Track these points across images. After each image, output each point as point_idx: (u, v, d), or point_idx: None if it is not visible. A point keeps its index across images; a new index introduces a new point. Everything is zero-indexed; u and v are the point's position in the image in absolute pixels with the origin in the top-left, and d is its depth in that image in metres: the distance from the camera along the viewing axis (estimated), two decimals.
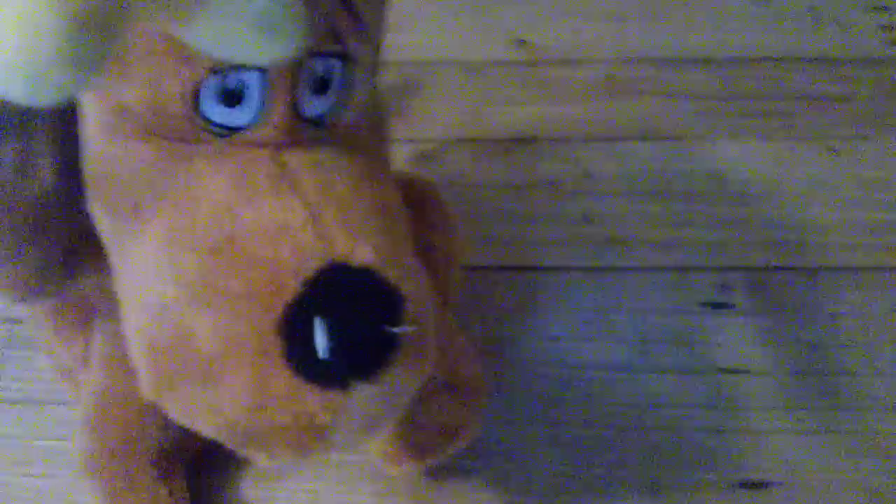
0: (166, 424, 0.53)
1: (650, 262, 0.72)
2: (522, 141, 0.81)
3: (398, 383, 0.38)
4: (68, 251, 0.46)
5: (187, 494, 0.56)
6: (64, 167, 0.43)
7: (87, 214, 0.43)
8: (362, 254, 0.37)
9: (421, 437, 0.55)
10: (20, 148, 0.42)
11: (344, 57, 0.39)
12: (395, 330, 0.36)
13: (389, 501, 0.58)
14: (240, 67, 0.36)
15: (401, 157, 0.76)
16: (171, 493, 0.55)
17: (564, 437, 0.61)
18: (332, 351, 0.35)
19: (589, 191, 0.77)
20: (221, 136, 0.38)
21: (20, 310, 0.67)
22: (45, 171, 0.43)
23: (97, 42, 0.24)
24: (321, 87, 0.39)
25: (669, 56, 0.88)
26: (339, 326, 0.35)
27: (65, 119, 0.42)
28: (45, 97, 0.24)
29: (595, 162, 0.79)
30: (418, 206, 0.55)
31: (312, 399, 0.36)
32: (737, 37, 0.90)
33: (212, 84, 0.36)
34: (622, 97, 0.85)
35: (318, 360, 0.35)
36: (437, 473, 0.59)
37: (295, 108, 0.38)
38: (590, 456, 0.60)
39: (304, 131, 0.39)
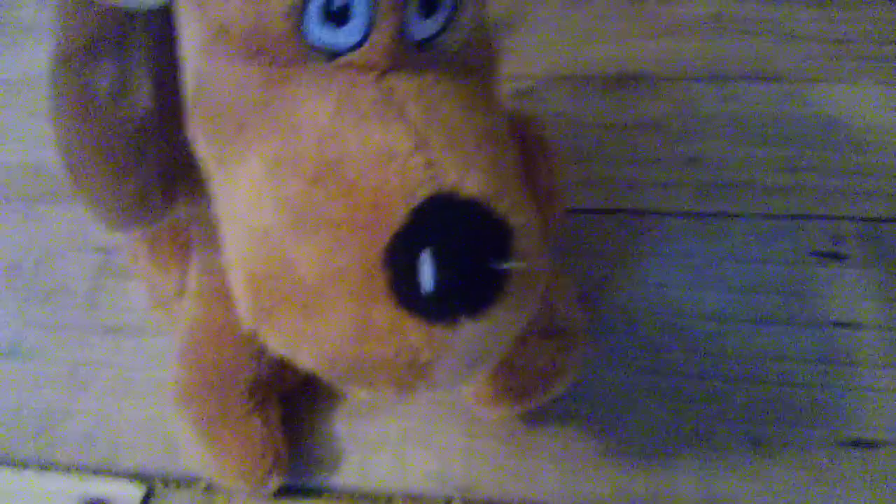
0: (261, 356, 0.53)
1: (759, 208, 0.68)
2: (626, 78, 0.78)
3: (504, 321, 0.37)
4: (167, 177, 0.45)
5: (280, 426, 0.56)
6: (161, 91, 0.42)
7: (186, 140, 0.42)
8: (472, 184, 0.35)
9: (517, 380, 0.53)
10: (116, 70, 0.41)
11: None
12: (505, 265, 0.35)
13: (481, 444, 0.57)
14: None
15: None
16: (264, 424, 0.55)
17: (667, 387, 0.59)
18: (439, 284, 0.34)
19: (695, 132, 0.74)
20: (324, 57, 0.36)
21: (115, 239, 0.68)
22: (142, 94, 0.42)
23: None
24: (430, 8, 0.37)
25: None
26: (447, 259, 0.34)
27: (161, 41, 0.41)
28: None
29: (702, 102, 0.76)
30: (521, 141, 0.53)
31: (416, 333, 0.35)
32: None
33: (317, 2, 0.35)
34: (731, 35, 0.81)
35: (423, 294, 0.34)
36: (532, 417, 0.57)
37: (402, 31, 0.36)
38: (693, 407, 0.58)
39: (411, 55, 0.37)
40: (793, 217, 0.68)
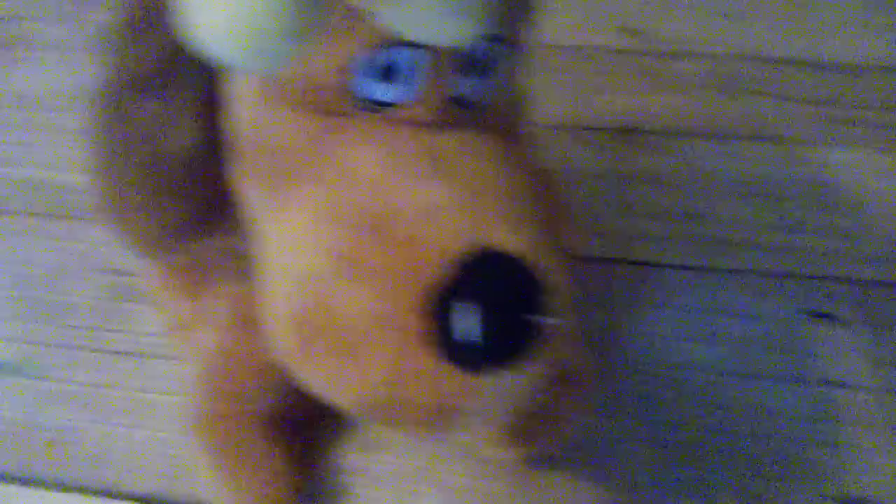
0: (278, 388, 0.54)
1: (755, 266, 0.70)
2: (628, 131, 0.80)
3: (532, 372, 0.38)
4: (203, 211, 0.46)
5: (292, 458, 0.57)
6: (204, 127, 0.43)
7: (220, 176, 0.44)
8: (511, 241, 0.37)
9: (526, 424, 0.55)
10: (161, 106, 0.43)
11: (501, 40, 0.39)
12: (540, 320, 0.36)
13: (486, 484, 0.59)
14: (398, 44, 0.36)
15: None
16: (277, 456, 0.55)
17: (664, 438, 0.61)
18: (476, 335, 0.35)
19: (695, 188, 0.76)
20: (373, 111, 0.38)
21: (129, 261, 0.68)
22: (186, 130, 0.43)
23: (311, 13, 0.24)
24: (472, 68, 0.39)
25: (783, 56, 0.86)
26: (485, 312, 0.35)
27: (207, 80, 0.42)
28: (257, 65, 0.24)
29: (702, 158, 0.78)
30: None
31: (451, 380, 0.36)
32: (854, 43, 0.87)
33: (369, 59, 0.37)
34: (732, 94, 0.84)
35: (460, 343, 0.36)
36: (536, 460, 0.58)
37: (446, 89, 0.38)
38: (688, 459, 0.60)
39: (454, 112, 0.39)
40: (787, 276, 0.70)
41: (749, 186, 0.76)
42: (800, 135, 0.80)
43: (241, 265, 0.50)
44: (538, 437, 0.55)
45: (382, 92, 0.38)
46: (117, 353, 0.66)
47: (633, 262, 0.71)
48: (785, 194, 0.75)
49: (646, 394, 0.63)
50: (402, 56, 0.37)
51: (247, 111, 0.41)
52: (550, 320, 0.37)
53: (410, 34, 0.30)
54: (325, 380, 0.39)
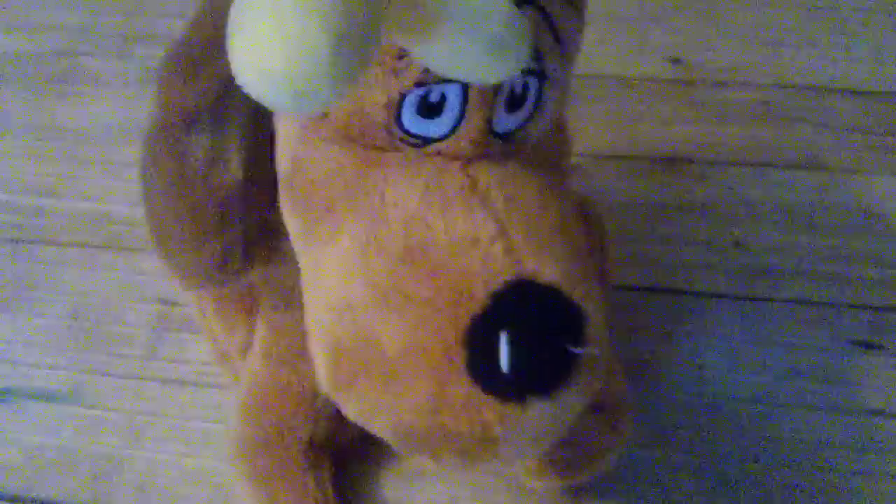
0: (319, 417, 0.55)
1: (800, 295, 0.70)
2: (673, 161, 0.80)
3: (570, 402, 0.39)
4: (247, 243, 0.47)
5: (333, 486, 0.57)
6: (249, 162, 0.44)
7: (266, 208, 0.45)
8: (549, 272, 0.37)
9: (565, 454, 0.55)
10: (213, 143, 0.44)
11: (541, 75, 0.39)
12: (577, 350, 0.37)
13: None
14: (444, 81, 0.37)
15: None
16: (317, 484, 0.56)
17: (707, 468, 0.60)
18: (515, 365, 0.36)
19: (741, 217, 0.76)
20: (416, 145, 0.39)
21: (176, 291, 0.70)
22: (234, 166, 0.44)
23: (358, 58, 0.25)
24: (516, 103, 0.40)
25: (826, 85, 0.86)
26: (524, 342, 0.36)
27: (255, 118, 0.43)
28: (305, 108, 0.25)
29: (748, 188, 0.78)
30: None
31: (489, 410, 0.37)
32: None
33: (414, 96, 0.37)
34: (777, 124, 0.83)
35: (499, 373, 0.36)
36: (576, 491, 0.58)
37: (489, 124, 0.39)
38: (732, 490, 0.59)
39: (495, 146, 0.40)
40: (831, 305, 0.69)
41: (793, 215, 0.75)
42: (843, 163, 0.79)
43: (285, 296, 0.51)
44: (580, 468, 0.55)
45: (426, 127, 0.39)
46: (166, 381, 0.67)
47: (677, 292, 0.71)
48: (829, 223, 0.75)
49: (689, 424, 0.63)
50: (447, 92, 0.37)
51: (290, 144, 0.42)
52: (587, 350, 0.37)
53: (450, 73, 0.31)
54: (364, 409, 0.39)
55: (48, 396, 0.66)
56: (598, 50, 0.89)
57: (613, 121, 0.84)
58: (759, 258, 0.73)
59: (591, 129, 0.83)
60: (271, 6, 0.24)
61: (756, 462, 0.61)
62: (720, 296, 0.70)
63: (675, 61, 0.89)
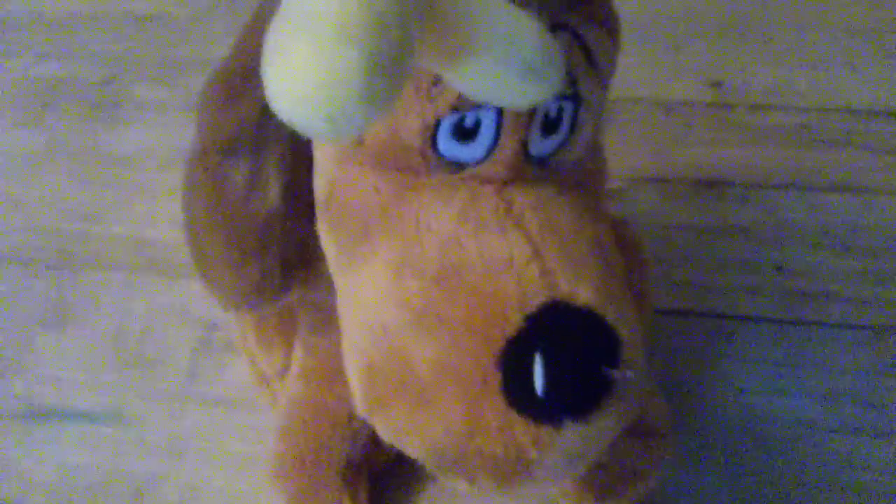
0: (355, 438, 0.55)
1: (841, 318, 0.69)
2: (713, 184, 0.80)
3: (606, 426, 0.38)
4: (285, 266, 0.47)
5: None
6: (288, 188, 0.45)
7: (304, 232, 0.45)
8: (584, 294, 0.37)
9: (603, 477, 0.54)
10: (253, 169, 0.44)
11: (576, 99, 0.39)
12: (613, 373, 0.37)
13: None
14: (479, 105, 0.37)
15: None
16: None
17: (747, 492, 0.60)
18: (549, 388, 0.36)
19: (781, 240, 0.75)
20: (450, 170, 0.39)
21: (216, 314, 0.71)
22: (273, 191, 0.45)
23: (391, 83, 0.25)
24: (551, 127, 0.40)
25: (867, 108, 0.85)
26: (559, 365, 0.36)
27: (293, 143, 0.44)
28: (339, 133, 0.25)
29: (788, 210, 0.77)
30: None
31: (524, 433, 0.37)
32: None
33: (450, 121, 0.38)
34: (818, 146, 0.83)
35: (534, 396, 0.36)
36: None
37: (524, 148, 0.39)
38: None
39: (529, 169, 0.40)
40: (872, 328, 0.69)
41: (834, 238, 0.75)
42: (884, 185, 0.78)
43: (323, 318, 0.51)
44: (618, 492, 0.55)
45: (461, 151, 0.39)
46: (206, 403, 0.67)
47: (717, 315, 0.70)
48: (870, 245, 0.74)
49: (729, 447, 0.62)
50: (482, 117, 0.38)
51: (327, 169, 0.42)
52: (623, 373, 0.37)
53: (484, 98, 0.31)
54: (398, 430, 0.40)
55: (89, 417, 0.67)
56: (638, 73, 0.89)
57: (653, 144, 0.84)
58: (799, 281, 0.72)
59: (631, 153, 0.83)
60: (305, 33, 0.24)
61: (796, 486, 0.60)
62: (761, 319, 0.70)
63: (715, 84, 0.89)
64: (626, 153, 0.82)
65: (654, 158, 0.82)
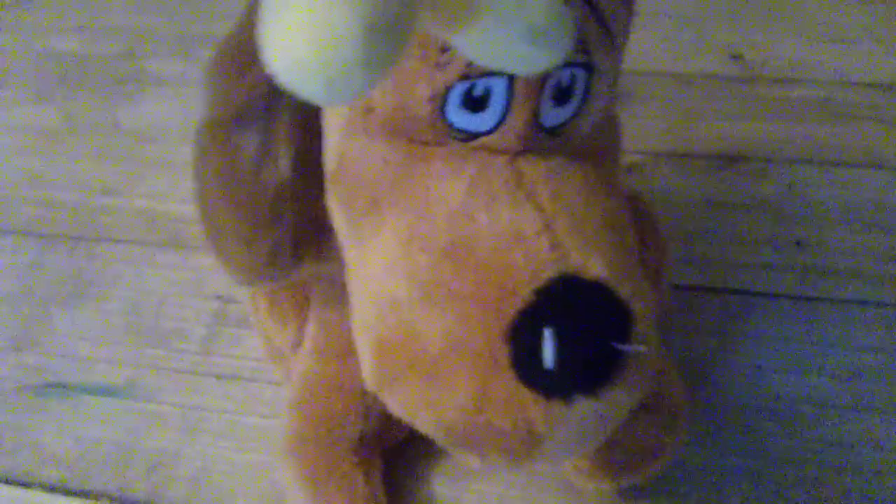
0: (368, 413, 0.55)
1: (865, 295, 0.68)
2: (733, 158, 0.79)
3: (617, 401, 0.38)
4: (297, 240, 0.47)
5: (382, 483, 0.57)
6: (299, 159, 0.44)
7: (315, 205, 0.45)
8: (595, 267, 0.37)
9: (618, 455, 0.54)
10: (263, 139, 0.44)
11: (589, 67, 0.39)
12: (624, 348, 0.36)
13: None
14: (489, 74, 0.36)
15: None
16: (366, 481, 0.56)
17: (763, 470, 0.59)
18: (560, 362, 0.35)
19: (801, 216, 0.74)
20: (460, 139, 0.39)
21: (236, 290, 0.71)
22: (283, 162, 0.44)
23: (390, 47, 0.24)
24: (563, 96, 0.39)
25: (890, 83, 0.84)
26: (569, 339, 0.35)
27: (303, 114, 0.43)
28: (337, 97, 0.25)
29: (808, 186, 0.76)
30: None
31: (534, 407, 0.36)
32: None
33: (459, 89, 0.37)
34: (840, 121, 0.82)
35: (543, 370, 0.36)
36: (627, 492, 0.57)
37: (535, 118, 0.38)
38: (788, 492, 0.58)
39: (542, 140, 0.39)
40: (893, 306, 0.68)
41: (856, 214, 0.74)
42: None
43: (335, 292, 0.51)
44: (633, 469, 0.54)
45: (471, 121, 0.38)
46: (221, 377, 0.67)
47: (736, 291, 0.69)
48: (891, 223, 0.73)
49: (746, 426, 0.61)
50: (492, 86, 0.37)
51: (336, 140, 0.42)
52: (634, 347, 0.36)
53: (491, 64, 0.31)
54: (408, 404, 0.39)
55: (105, 390, 0.68)
56: (659, 47, 0.88)
57: (673, 118, 0.83)
58: (819, 258, 0.71)
59: (651, 127, 0.82)
60: None
61: (814, 465, 0.59)
62: (780, 296, 0.69)
63: (736, 58, 0.88)
64: (645, 127, 0.81)
65: (673, 133, 0.81)
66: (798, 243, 0.72)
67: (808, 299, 0.68)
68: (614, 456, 0.54)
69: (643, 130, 0.81)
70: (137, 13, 1.02)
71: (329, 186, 0.43)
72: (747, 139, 0.80)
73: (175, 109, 0.90)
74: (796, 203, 0.75)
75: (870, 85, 0.84)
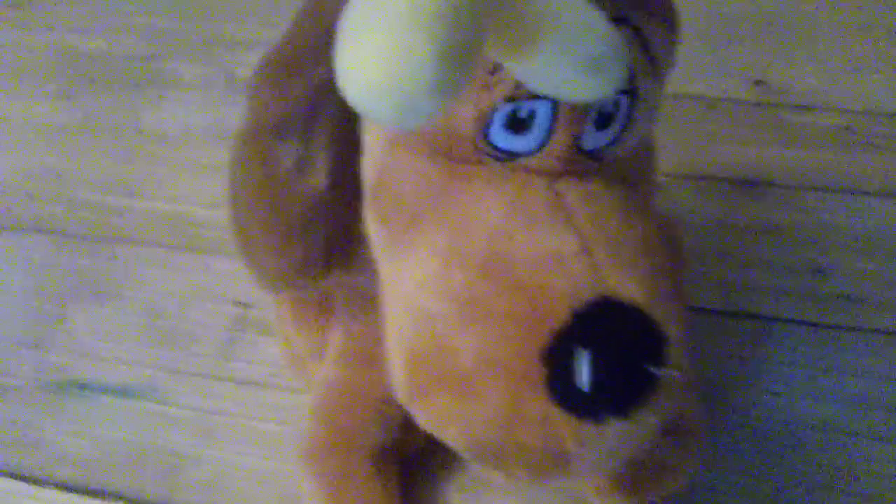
0: (389, 424, 0.55)
1: (880, 324, 0.69)
2: (753, 183, 0.79)
3: (646, 423, 0.38)
4: (328, 249, 0.47)
5: (399, 492, 0.57)
6: (336, 172, 0.45)
7: (348, 216, 0.45)
8: (632, 291, 0.37)
9: (634, 473, 0.54)
10: (301, 149, 0.44)
11: (633, 93, 0.39)
12: (657, 372, 0.36)
13: None
14: (534, 97, 0.37)
15: None
16: (384, 490, 0.56)
17: (776, 495, 0.59)
18: (593, 384, 0.36)
19: (820, 243, 0.74)
20: (502, 160, 0.39)
21: (252, 294, 0.71)
22: (320, 173, 0.45)
23: (461, 72, 0.25)
24: (605, 121, 0.39)
25: None
26: (604, 361, 0.36)
27: (343, 127, 0.44)
28: (407, 121, 0.25)
29: (828, 213, 0.77)
30: None
31: (565, 427, 0.37)
32: None
33: (504, 111, 0.37)
34: (861, 149, 0.82)
35: (577, 391, 0.36)
36: None
37: (577, 140, 0.39)
38: None
39: (580, 162, 0.40)
40: None
41: (874, 243, 0.74)
42: None
43: (362, 302, 0.51)
44: (648, 488, 0.55)
45: (513, 142, 0.38)
46: (238, 382, 0.67)
47: (753, 316, 0.70)
48: None
49: (756, 449, 0.62)
50: (537, 108, 0.37)
51: (377, 155, 0.42)
52: (667, 371, 0.37)
53: (545, 90, 0.31)
54: (438, 419, 0.39)
55: (123, 392, 0.68)
56: (681, 70, 0.87)
57: (694, 141, 0.83)
58: (838, 285, 0.71)
59: (672, 149, 0.82)
60: (378, 21, 0.24)
61: (821, 489, 0.60)
62: (797, 322, 0.69)
63: (759, 83, 0.88)
64: (666, 149, 0.81)
65: (694, 155, 0.82)
66: (816, 270, 0.72)
67: (827, 326, 0.69)
68: (631, 474, 0.54)
69: (664, 152, 0.80)
70: (160, 15, 1.03)
71: (367, 199, 0.43)
72: (768, 164, 0.81)
73: (197, 112, 0.90)
74: (816, 230, 0.75)
75: (891, 115, 0.84)
